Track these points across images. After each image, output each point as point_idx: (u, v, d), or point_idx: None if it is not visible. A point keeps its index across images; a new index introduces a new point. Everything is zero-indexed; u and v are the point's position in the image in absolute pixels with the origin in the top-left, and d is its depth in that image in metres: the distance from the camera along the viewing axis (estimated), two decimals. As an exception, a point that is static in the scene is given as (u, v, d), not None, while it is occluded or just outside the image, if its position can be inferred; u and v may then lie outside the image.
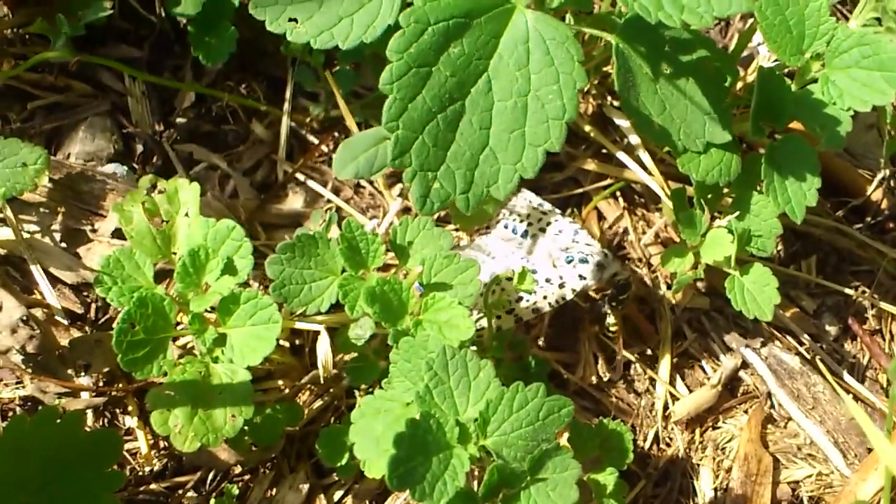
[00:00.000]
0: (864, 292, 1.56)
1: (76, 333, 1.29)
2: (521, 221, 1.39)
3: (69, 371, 1.25)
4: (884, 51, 1.24)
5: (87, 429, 1.25)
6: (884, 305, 1.54)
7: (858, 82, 1.26)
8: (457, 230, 1.47)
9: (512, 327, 1.32)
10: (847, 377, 1.47)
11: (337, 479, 1.28)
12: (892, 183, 1.67)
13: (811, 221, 1.59)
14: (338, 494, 1.28)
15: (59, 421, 1.05)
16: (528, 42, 1.03)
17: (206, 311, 1.15)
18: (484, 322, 1.25)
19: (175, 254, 1.20)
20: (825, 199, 1.62)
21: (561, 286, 1.31)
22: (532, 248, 1.37)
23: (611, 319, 1.37)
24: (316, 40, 1.12)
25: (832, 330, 1.53)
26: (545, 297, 1.32)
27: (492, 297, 1.25)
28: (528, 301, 1.31)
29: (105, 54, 1.51)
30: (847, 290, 1.54)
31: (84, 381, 1.26)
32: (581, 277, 1.32)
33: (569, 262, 1.32)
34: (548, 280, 1.32)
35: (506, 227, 1.39)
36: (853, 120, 1.30)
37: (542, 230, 1.38)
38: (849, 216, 1.64)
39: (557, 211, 1.41)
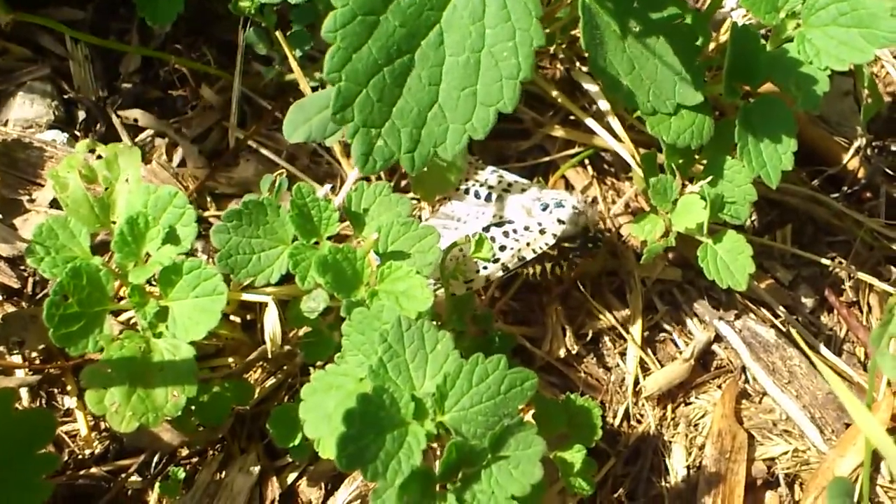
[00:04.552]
0: (840, 263, 1.51)
1: (11, 309, 1.21)
2: (484, 186, 1.33)
3: (1, 348, 1.18)
4: (862, 7, 1.18)
5: (23, 409, 1.17)
6: (861, 276, 1.49)
7: (836, 40, 1.20)
8: (418, 200, 1.40)
9: (472, 294, 1.25)
10: (824, 350, 1.42)
11: (290, 460, 1.22)
12: (868, 151, 1.62)
13: (786, 190, 1.54)
14: (291, 477, 1.21)
15: (-15, 399, 0.98)
16: (485, -7, 0.96)
17: (149, 283, 1.08)
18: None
19: (114, 223, 1.13)
20: (801, 167, 1.57)
21: (542, 232, 1.26)
22: (502, 205, 1.31)
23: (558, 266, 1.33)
24: (264, -7, 1.06)
25: (808, 302, 1.48)
26: (528, 244, 1.27)
27: (452, 263, 1.19)
28: (512, 250, 1.26)
29: (46, 15, 1.42)
30: (823, 261, 1.49)
31: (18, 358, 1.18)
32: (560, 221, 1.26)
33: (544, 209, 1.27)
34: (527, 228, 1.27)
35: (467, 192, 1.33)
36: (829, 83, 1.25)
37: (507, 190, 1.32)
38: (825, 185, 1.59)
39: (524, 180, 1.34)
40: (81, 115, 1.41)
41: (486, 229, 1.28)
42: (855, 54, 1.19)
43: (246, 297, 1.15)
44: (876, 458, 1.30)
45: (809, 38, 1.22)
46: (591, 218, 1.31)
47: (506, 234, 1.27)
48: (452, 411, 0.91)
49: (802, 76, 1.22)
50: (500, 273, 1.28)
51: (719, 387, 1.38)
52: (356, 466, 0.85)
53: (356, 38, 0.90)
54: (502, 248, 1.26)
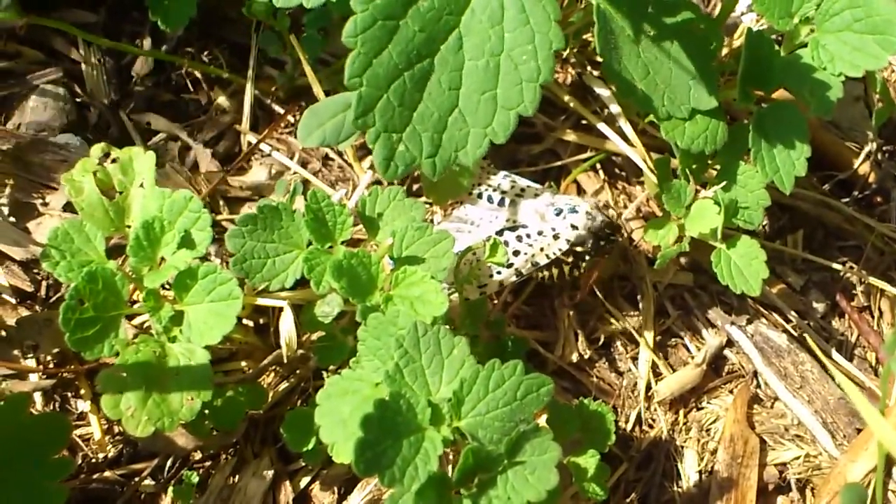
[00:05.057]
0: (851, 268, 1.51)
1: (25, 312, 1.21)
2: (497, 191, 1.32)
3: (16, 352, 1.18)
4: (876, 13, 1.18)
5: (37, 413, 1.17)
6: (872, 281, 1.49)
7: (849, 46, 1.20)
8: (431, 205, 1.40)
9: (485, 299, 1.25)
10: (835, 355, 1.43)
11: (304, 464, 1.22)
12: (879, 156, 1.62)
13: (797, 195, 1.54)
14: (304, 481, 1.21)
15: (0, 404, 0.98)
16: (503, -2, 0.96)
17: (164, 287, 1.08)
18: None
19: (129, 227, 1.12)
20: (812, 172, 1.55)
21: (555, 237, 1.26)
22: (515, 210, 1.31)
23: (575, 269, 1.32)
24: (278, -3, 1.06)
25: (820, 307, 1.47)
26: (542, 250, 1.26)
27: (466, 267, 1.19)
28: (525, 255, 1.26)
29: (58, 18, 1.42)
30: (835, 266, 1.49)
31: (32, 362, 1.18)
32: (573, 227, 1.26)
33: (558, 213, 1.27)
34: (540, 233, 1.26)
35: (479, 196, 1.32)
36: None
37: (520, 195, 1.32)
38: (836, 190, 1.59)
39: (536, 185, 1.34)
40: (94, 118, 1.41)
41: (500, 234, 1.28)
42: (869, 60, 1.19)
43: (261, 301, 1.15)
44: (888, 463, 1.29)
45: (823, 43, 1.22)
46: (604, 218, 1.31)
47: (519, 238, 1.27)
48: (469, 417, 0.91)
49: (816, 82, 1.21)
50: (514, 278, 1.27)
51: (731, 392, 1.38)
52: (373, 472, 0.85)
53: (376, 42, 0.90)
54: (516, 253, 1.26)
